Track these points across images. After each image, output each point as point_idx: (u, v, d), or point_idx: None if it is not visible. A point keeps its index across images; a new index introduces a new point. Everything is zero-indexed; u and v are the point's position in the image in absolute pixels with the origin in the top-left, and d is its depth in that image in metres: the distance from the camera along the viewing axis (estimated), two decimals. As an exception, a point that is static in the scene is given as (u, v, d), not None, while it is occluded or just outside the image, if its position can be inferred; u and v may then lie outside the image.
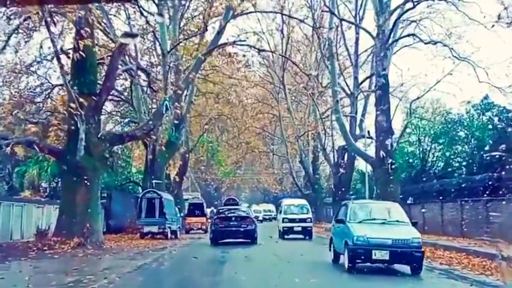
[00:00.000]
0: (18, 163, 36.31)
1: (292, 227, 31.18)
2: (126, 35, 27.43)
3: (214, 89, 52.26)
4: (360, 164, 46.69)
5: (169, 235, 31.47)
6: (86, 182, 21.12)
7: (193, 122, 53.65)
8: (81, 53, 19.79)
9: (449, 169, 40.96)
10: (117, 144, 24.86)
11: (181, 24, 38.29)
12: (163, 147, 36.54)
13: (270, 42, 56.28)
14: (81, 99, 19.96)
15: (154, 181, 35.65)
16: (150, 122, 24.01)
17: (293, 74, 59.77)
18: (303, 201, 34.69)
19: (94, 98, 21.31)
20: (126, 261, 17.71)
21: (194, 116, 53.69)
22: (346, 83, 42.49)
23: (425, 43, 27.75)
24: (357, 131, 43.86)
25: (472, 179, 31.90)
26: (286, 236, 30.94)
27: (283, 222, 31.70)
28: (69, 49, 20.72)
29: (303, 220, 31.39)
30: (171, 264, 17.88)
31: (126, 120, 43.00)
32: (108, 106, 43.90)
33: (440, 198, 32.09)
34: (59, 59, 19.69)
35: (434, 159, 42.98)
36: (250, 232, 25.72)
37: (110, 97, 40.20)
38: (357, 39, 42.98)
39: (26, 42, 25.25)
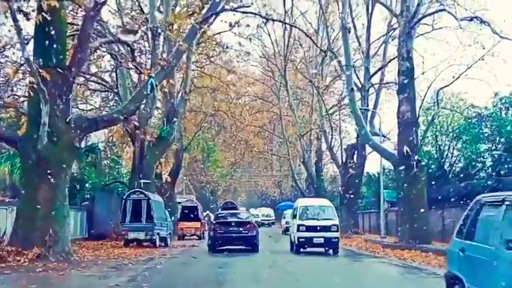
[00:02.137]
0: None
1: (312, 238, 22.78)
2: (126, 31, 23.39)
3: (211, 83, 48.27)
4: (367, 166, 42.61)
5: (158, 242, 27.28)
6: (49, 177, 16.84)
7: (188, 119, 49.43)
8: (45, 14, 15.58)
9: (472, 170, 36.71)
10: (90, 131, 20.42)
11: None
12: (152, 142, 32.45)
13: (271, 35, 52.45)
14: (43, 73, 15.65)
15: (142, 181, 31.34)
16: (131, 105, 19.61)
17: (294, 70, 56.17)
18: (326, 202, 26.03)
19: (61, 71, 17.03)
20: (93, 280, 13.48)
21: (189, 111, 49.61)
22: (357, 76, 38.23)
23: (460, 20, 23.58)
24: (368, 128, 39.60)
25: (506, 180, 27.69)
26: (302, 250, 23.41)
27: (298, 230, 23.18)
28: (32, 10, 16.36)
29: (327, 228, 22.89)
30: None
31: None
32: (97, 101, 39.73)
33: (461, 202, 27.97)
34: (15, 21, 15.42)
35: (454, 159, 38.77)
36: (252, 239, 23.90)
37: (92, 85, 36.51)
38: (369, 25, 38.77)
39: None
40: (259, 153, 64.06)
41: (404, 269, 17.75)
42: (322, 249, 23.74)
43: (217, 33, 42.31)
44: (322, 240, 22.74)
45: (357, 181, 39.83)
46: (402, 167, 25.34)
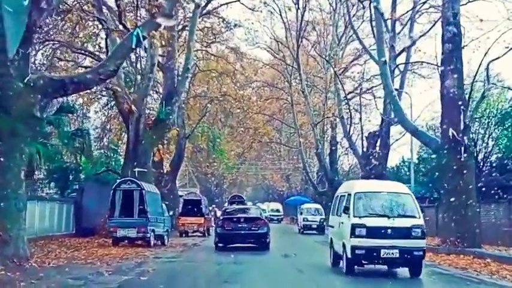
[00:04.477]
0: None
1: (378, 249, 13.53)
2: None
3: (217, 67, 44.07)
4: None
5: (152, 241, 23.08)
6: (-4, 156, 12.56)
7: (191, 104, 45.14)
8: None
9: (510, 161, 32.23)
10: (56, 96, 16.01)
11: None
12: (149, 126, 28.23)
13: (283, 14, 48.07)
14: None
15: (137, 169, 27.16)
16: (111, 63, 15.01)
17: (306, 54, 51.99)
18: (401, 187, 15.54)
19: (18, 15, 12.69)
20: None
21: (193, 97, 45.38)
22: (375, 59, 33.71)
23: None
24: (392, 115, 35.23)
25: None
26: (357, 267, 14.52)
27: (354, 235, 13.70)
28: None
29: (404, 233, 13.72)
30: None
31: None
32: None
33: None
34: None
35: (490, 148, 34.35)
36: (262, 236, 22.09)
37: (85, 63, 32.33)
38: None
39: None
40: (268, 143, 59.88)
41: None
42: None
43: (224, 4, 38.33)
44: (396, 253, 13.43)
45: (380, 173, 35.33)
46: (447, 154, 20.95)
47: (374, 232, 13.46)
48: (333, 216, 16.31)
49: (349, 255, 13.79)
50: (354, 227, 13.58)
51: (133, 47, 15.07)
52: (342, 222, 14.55)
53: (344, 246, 14.13)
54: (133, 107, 26.06)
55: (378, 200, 14.38)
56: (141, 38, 14.71)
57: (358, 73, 45.06)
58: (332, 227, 16.41)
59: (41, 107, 13.72)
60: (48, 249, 20.17)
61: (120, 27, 19.94)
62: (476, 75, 22.21)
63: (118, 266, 15.29)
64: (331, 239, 16.35)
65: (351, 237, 13.60)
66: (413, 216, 13.89)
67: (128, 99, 27.16)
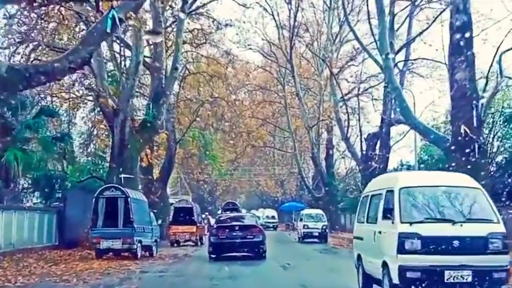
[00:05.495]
0: None
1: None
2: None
3: (208, 69, 42.32)
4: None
5: (139, 252, 21.28)
6: None
7: (181, 108, 43.32)
8: None
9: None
10: (19, 88, 14.05)
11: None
12: (135, 129, 26.48)
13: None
14: None
15: (123, 175, 25.33)
16: (82, 48, 13.01)
17: (300, 56, 50.42)
18: None
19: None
20: None
21: (183, 100, 43.57)
22: (379, 51, 32.07)
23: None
24: (392, 114, 33.66)
25: None
26: None
27: (404, 252, 9.51)
28: None
29: None
30: None
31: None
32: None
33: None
34: None
35: (495, 148, 32.67)
36: (258, 244, 21.28)
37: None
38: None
39: None
40: (262, 148, 58.10)
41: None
42: None
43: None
44: (467, 277, 9.40)
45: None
46: (458, 153, 19.22)
47: (433, 245, 9.32)
48: (361, 224, 12.26)
49: (395, 280, 9.56)
50: (402, 238, 9.43)
51: (109, 31, 13.25)
52: (380, 232, 10.47)
53: (385, 266, 9.98)
54: (115, 106, 24.23)
55: (435, 198, 10.13)
56: (118, 21, 12.90)
57: (355, 73, 43.35)
58: (360, 238, 12.16)
59: (1, 101, 11.84)
60: (24, 264, 18.40)
61: (98, 16, 18.15)
62: (491, 66, 20.48)
63: (96, 283, 13.49)
64: (358, 255, 12.10)
65: (398, 253, 9.47)
66: (489, 221, 9.71)
67: (113, 101, 25.38)
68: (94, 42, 13.62)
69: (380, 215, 10.59)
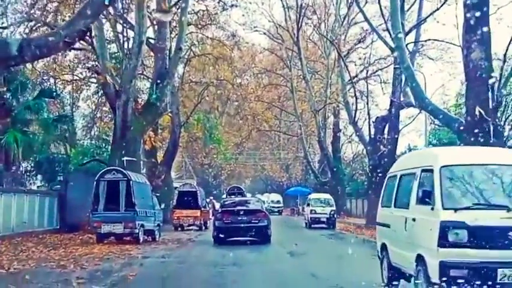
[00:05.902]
0: None
1: None
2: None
3: (213, 51, 41.51)
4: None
5: (141, 237, 20.78)
6: None
7: (186, 91, 42.63)
8: None
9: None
10: (11, 63, 13.31)
11: None
12: (138, 110, 25.84)
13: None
14: None
15: (125, 158, 24.70)
16: (77, 22, 12.18)
17: (307, 40, 49.52)
18: None
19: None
20: None
21: (188, 83, 42.85)
22: (390, 33, 31.23)
23: None
24: (401, 98, 32.80)
25: None
26: None
27: (447, 244, 7.85)
28: None
29: None
30: None
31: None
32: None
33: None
34: None
35: (506, 131, 31.85)
36: (263, 229, 21.02)
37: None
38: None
39: None
40: (267, 132, 57.38)
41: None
42: None
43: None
44: None
45: (389, 160, 32.83)
46: (471, 134, 18.44)
47: (483, 237, 7.66)
48: (387, 209, 10.35)
49: (434, 279, 7.82)
50: (445, 228, 7.71)
51: (107, 3, 12.50)
52: (414, 219, 8.73)
53: (421, 261, 8.31)
54: (117, 87, 23.57)
55: (486, 180, 8.34)
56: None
57: (363, 55, 42.29)
58: (386, 226, 10.33)
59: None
60: (22, 248, 17.85)
61: None
62: (509, 45, 19.55)
63: (94, 269, 12.85)
64: (383, 245, 10.40)
65: (439, 246, 7.76)
66: None
67: (115, 82, 24.70)
68: (91, 15, 12.74)
69: (414, 198, 8.85)
